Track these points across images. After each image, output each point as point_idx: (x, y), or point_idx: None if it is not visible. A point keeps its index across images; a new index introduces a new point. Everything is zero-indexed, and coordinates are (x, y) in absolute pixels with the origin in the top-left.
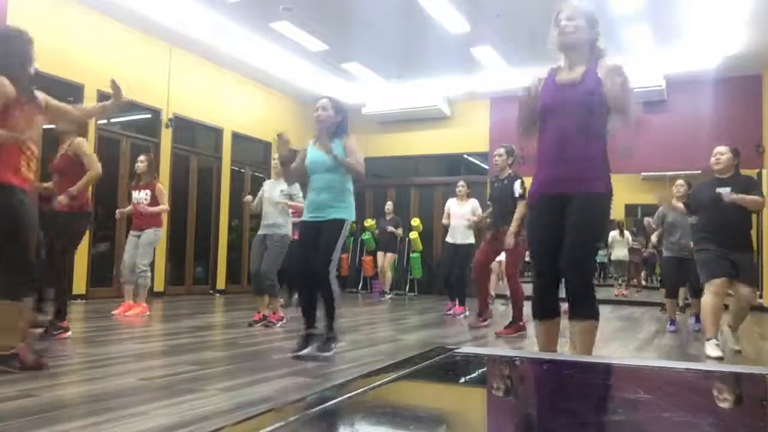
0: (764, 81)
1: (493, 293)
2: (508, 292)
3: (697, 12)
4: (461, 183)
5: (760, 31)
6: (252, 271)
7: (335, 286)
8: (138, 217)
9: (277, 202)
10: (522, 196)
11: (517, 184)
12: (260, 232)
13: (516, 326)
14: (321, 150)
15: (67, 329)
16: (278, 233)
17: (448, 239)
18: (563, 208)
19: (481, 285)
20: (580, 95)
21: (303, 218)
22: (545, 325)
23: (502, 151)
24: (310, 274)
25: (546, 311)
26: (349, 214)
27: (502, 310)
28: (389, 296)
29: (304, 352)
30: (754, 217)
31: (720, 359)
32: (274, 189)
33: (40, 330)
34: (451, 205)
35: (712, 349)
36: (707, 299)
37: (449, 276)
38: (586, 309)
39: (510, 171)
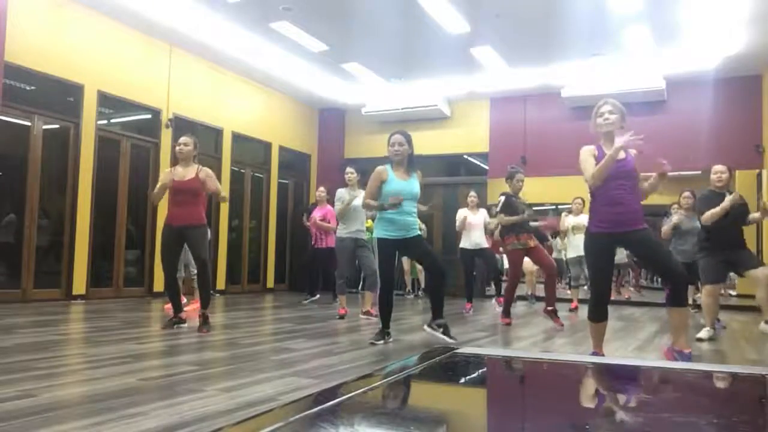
0: (764, 81)
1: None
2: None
3: (697, 12)
4: (473, 194)
5: (760, 31)
6: (338, 274)
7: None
8: None
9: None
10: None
11: None
12: (345, 236)
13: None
14: (403, 180)
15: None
16: (365, 237)
17: (466, 246)
18: (619, 242)
19: (514, 292)
20: (627, 168)
21: (384, 236)
22: (600, 325)
23: (522, 176)
24: (392, 284)
25: (600, 316)
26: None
27: (524, 310)
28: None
29: (380, 342)
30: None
31: (701, 340)
32: (358, 199)
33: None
34: (466, 214)
35: (703, 333)
36: (704, 300)
37: (470, 279)
38: (683, 298)
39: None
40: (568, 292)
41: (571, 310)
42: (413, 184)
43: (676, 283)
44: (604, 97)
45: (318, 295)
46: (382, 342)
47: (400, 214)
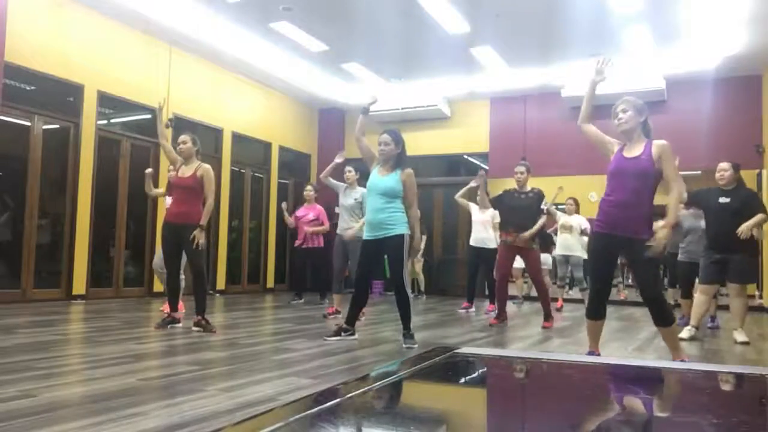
0: (764, 81)
1: (519, 294)
2: (521, 294)
3: (697, 12)
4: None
5: (760, 31)
6: (335, 271)
7: (409, 291)
8: None
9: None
10: (546, 211)
11: (543, 202)
12: (339, 233)
13: (552, 319)
14: (381, 175)
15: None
16: (357, 236)
17: (472, 243)
18: (619, 245)
19: (503, 290)
20: (636, 168)
21: (364, 237)
22: (595, 323)
23: (523, 169)
24: (367, 286)
25: (597, 314)
26: (405, 228)
27: (514, 311)
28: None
29: (334, 339)
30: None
31: (684, 340)
32: (348, 197)
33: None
34: (473, 211)
35: (684, 332)
36: (697, 297)
37: (472, 278)
38: (664, 319)
39: (531, 187)
40: (570, 292)
41: (557, 310)
42: (387, 180)
43: (648, 306)
44: (603, 97)
45: (303, 299)
46: (335, 339)
47: (372, 212)
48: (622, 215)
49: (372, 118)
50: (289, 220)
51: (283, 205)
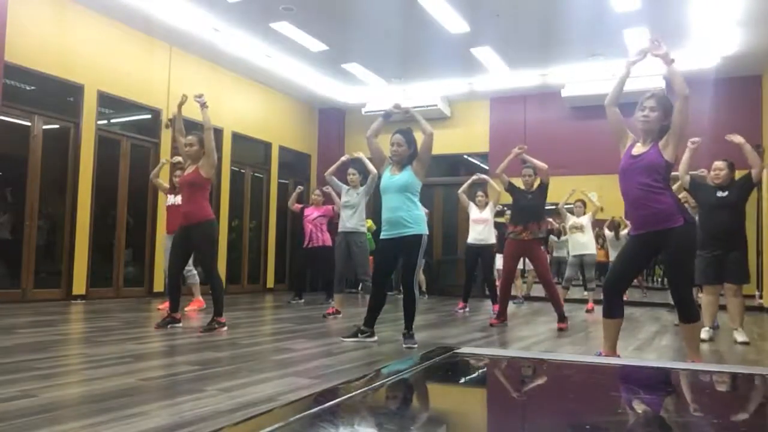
0: (764, 82)
1: (520, 294)
2: (521, 294)
3: (696, 13)
4: (480, 193)
5: (759, 31)
6: (336, 271)
7: (416, 292)
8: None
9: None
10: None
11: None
12: (341, 231)
13: (566, 320)
14: (393, 174)
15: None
16: (360, 237)
17: (470, 241)
18: (657, 239)
19: (507, 289)
20: (641, 166)
21: (381, 236)
22: (607, 322)
23: (531, 171)
24: (385, 285)
25: (607, 312)
26: (423, 228)
27: (514, 311)
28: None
29: (351, 340)
30: (754, 218)
31: (704, 341)
32: (350, 196)
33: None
34: (472, 210)
35: (703, 333)
36: (704, 299)
37: (470, 277)
38: (689, 316)
39: (536, 185)
40: (585, 293)
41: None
42: (400, 177)
43: (675, 301)
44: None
45: (303, 299)
46: (352, 340)
47: (388, 211)
48: (642, 213)
49: (372, 118)
50: (294, 205)
51: (299, 188)
